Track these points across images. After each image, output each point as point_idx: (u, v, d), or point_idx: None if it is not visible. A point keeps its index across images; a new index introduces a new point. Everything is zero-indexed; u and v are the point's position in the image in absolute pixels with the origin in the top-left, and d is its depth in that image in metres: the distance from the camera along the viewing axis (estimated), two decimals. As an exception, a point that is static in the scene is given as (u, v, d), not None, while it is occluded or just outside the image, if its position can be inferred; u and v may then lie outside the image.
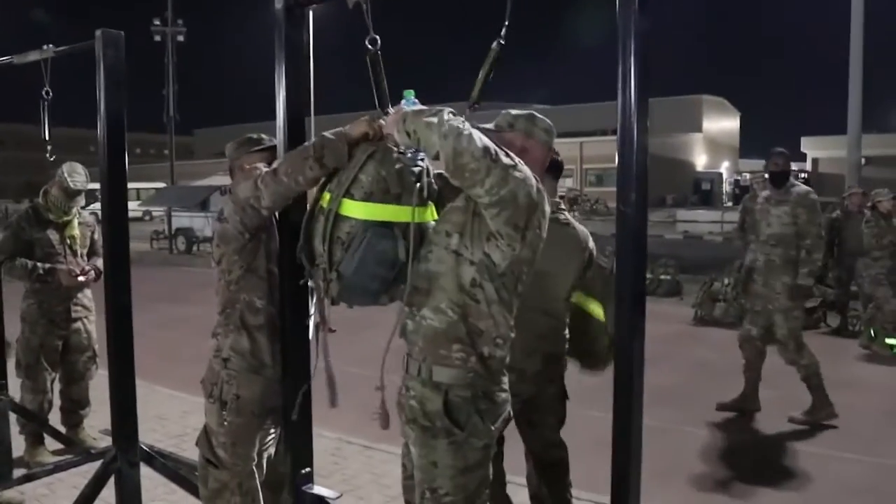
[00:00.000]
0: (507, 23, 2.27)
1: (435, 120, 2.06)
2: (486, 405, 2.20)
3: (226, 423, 2.63)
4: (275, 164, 2.41)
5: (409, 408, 2.24)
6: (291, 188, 2.35)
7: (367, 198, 2.15)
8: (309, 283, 2.38)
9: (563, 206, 3.28)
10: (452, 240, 2.18)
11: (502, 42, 2.36)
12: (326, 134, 2.30)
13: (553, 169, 3.54)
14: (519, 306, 2.30)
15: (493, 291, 2.17)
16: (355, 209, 2.15)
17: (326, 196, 2.22)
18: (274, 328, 2.62)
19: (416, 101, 2.24)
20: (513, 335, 2.28)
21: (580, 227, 3.26)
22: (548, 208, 2.22)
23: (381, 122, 2.29)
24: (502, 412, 2.27)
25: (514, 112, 2.44)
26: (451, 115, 2.08)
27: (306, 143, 2.34)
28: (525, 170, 2.12)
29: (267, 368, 2.61)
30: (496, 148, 2.06)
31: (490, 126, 2.45)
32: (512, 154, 2.12)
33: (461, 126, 2.04)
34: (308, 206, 2.32)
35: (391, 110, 2.29)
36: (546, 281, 2.89)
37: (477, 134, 2.05)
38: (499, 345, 2.22)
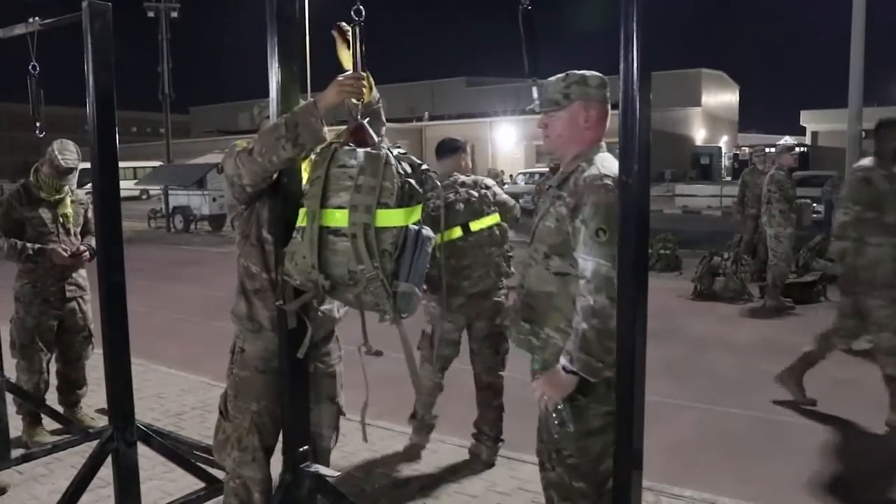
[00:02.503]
0: None
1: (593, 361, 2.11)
2: (612, 373, 2.22)
3: (231, 375, 2.65)
4: (251, 143, 2.37)
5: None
6: (267, 168, 2.32)
7: (400, 202, 2.13)
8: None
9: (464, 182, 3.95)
10: (553, 262, 2.24)
11: (529, 7, 2.33)
12: (297, 109, 2.25)
13: (446, 151, 4.12)
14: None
15: (614, 290, 2.16)
16: (395, 217, 2.11)
17: (338, 214, 2.12)
18: (271, 293, 2.58)
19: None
20: None
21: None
22: None
23: (352, 78, 2.25)
24: None
25: (561, 81, 2.31)
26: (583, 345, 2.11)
27: (279, 120, 2.29)
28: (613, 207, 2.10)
29: (266, 332, 2.58)
30: (608, 287, 2.07)
31: (535, 107, 2.40)
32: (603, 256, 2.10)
33: (596, 331, 2.08)
34: (301, 235, 2.20)
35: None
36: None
37: (609, 277, 2.07)
38: None
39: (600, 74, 2.31)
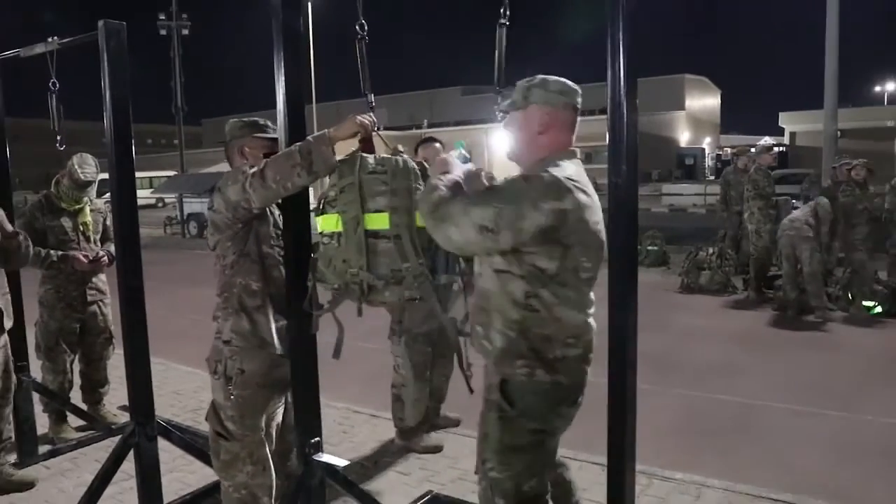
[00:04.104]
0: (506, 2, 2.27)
1: (442, 214, 1.96)
2: (549, 387, 2.04)
3: (232, 397, 2.59)
4: (260, 166, 2.34)
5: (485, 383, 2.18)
6: (280, 193, 2.34)
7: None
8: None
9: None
10: (495, 259, 2.03)
11: (506, 23, 2.33)
12: (311, 139, 2.26)
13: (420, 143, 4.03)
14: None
15: (551, 295, 1.99)
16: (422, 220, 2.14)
17: (378, 217, 2.18)
18: (273, 307, 2.56)
19: (466, 152, 2.25)
20: (591, 321, 2.11)
21: None
22: (581, 194, 1.97)
23: (367, 118, 2.28)
24: (573, 396, 2.11)
25: (525, 84, 2.18)
26: (453, 200, 1.95)
27: (292, 148, 2.29)
28: (533, 188, 1.92)
29: (269, 346, 2.57)
30: (493, 209, 1.89)
31: (503, 106, 2.32)
32: (510, 198, 1.92)
33: (454, 218, 1.92)
34: (338, 241, 2.25)
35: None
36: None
37: (467, 214, 1.91)
38: (571, 344, 2.05)
39: (568, 82, 2.11)
